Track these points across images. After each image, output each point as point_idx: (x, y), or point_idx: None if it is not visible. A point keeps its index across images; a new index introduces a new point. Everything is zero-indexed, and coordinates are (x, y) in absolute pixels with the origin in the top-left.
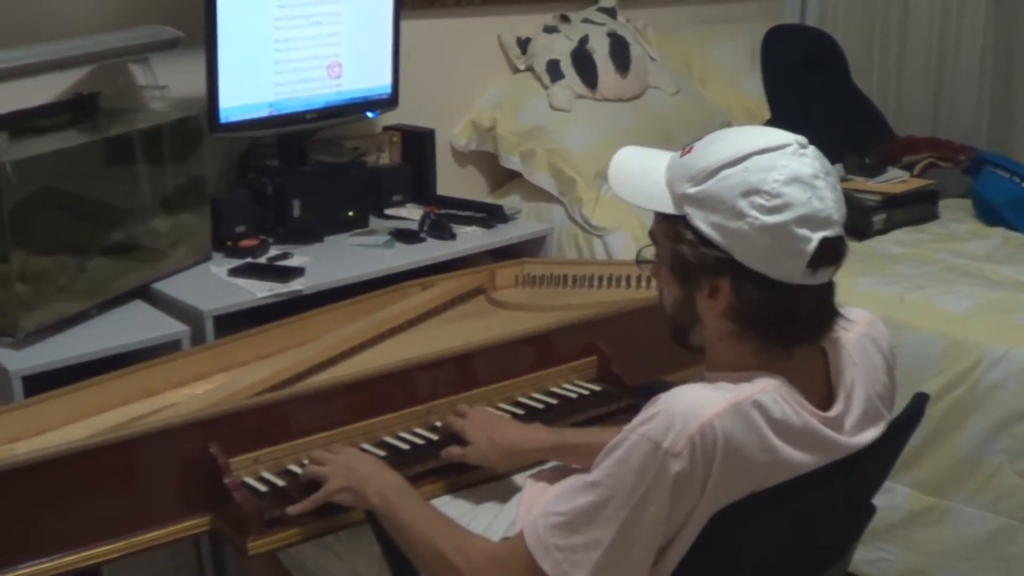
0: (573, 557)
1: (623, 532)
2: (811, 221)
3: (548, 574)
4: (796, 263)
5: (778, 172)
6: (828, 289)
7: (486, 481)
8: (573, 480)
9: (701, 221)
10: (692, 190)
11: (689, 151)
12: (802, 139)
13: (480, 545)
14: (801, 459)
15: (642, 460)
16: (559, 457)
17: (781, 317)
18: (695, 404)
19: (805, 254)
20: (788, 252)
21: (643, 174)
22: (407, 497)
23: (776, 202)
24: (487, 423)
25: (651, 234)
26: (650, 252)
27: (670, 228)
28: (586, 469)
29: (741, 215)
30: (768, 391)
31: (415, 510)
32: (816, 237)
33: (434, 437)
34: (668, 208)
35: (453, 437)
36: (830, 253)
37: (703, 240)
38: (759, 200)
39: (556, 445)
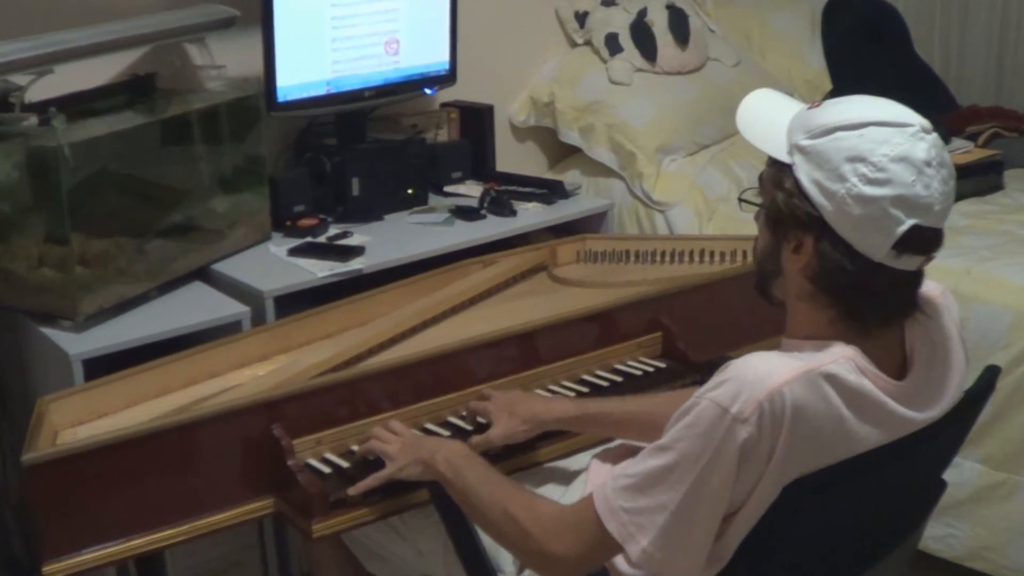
0: (639, 520)
1: (689, 497)
2: (908, 204)
3: (613, 536)
4: (882, 241)
5: (890, 147)
6: (911, 278)
7: (549, 460)
8: (648, 446)
9: (804, 174)
10: (804, 142)
11: (817, 106)
12: (927, 126)
13: (549, 507)
14: (868, 433)
15: (710, 425)
16: (583, 426)
17: (855, 290)
18: (765, 371)
19: (893, 235)
20: (877, 228)
21: (768, 117)
22: (474, 462)
23: (879, 175)
24: (508, 400)
25: (760, 177)
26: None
27: (775, 174)
28: (636, 449)
29: (842, 179)
30: (842, 361)
31: (483, 473)
32: (909, 222)
33: (468, 427)
34: (780, 153)
35: (480, 424)
36: (919, 241)
37: (800, 193)
38: (863, 169)
39: (578, 415)
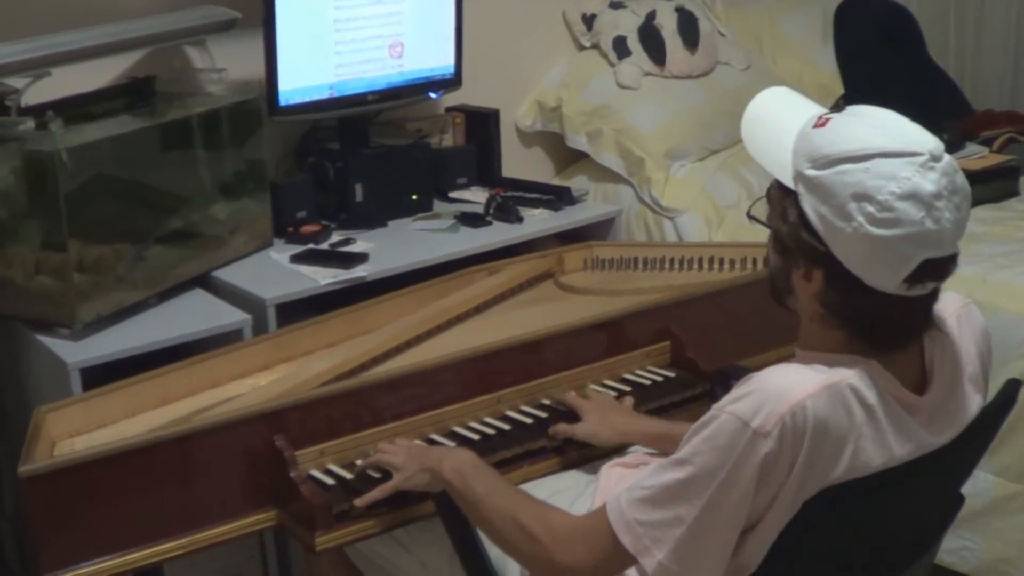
0: (654, 533)
1: (707, 511)
2: (919, 241)
3: (627, 549)
4: (892, 276)
5: (897, 184)
6: (926, 300)
7: (560, 470)
8: (662, 459)
9: (809, 207)
10: (810, 172)
11: (823, 124)
12: (937, 150)
13: (561, 517)
14: (887, 450)
15: (730, 439)
16: (662, 444)
17: (868, 319)
18: (788, 384)
19: (903, 271)
20: (886, 264)
21: (775, 132)
22: (483, 472)
23: (886, 215)
24: (604, 404)
25: (768, 195)
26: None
27: (781, 200)
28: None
29: (848, 217)
30: (864, 376)
31: (492, 483)
32: (920, 256)
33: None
34: (785, 177)
35: (564, 414)
36: (932, 272)
37: (806, 225)
38: (869, 208)
39: (662, 433)
